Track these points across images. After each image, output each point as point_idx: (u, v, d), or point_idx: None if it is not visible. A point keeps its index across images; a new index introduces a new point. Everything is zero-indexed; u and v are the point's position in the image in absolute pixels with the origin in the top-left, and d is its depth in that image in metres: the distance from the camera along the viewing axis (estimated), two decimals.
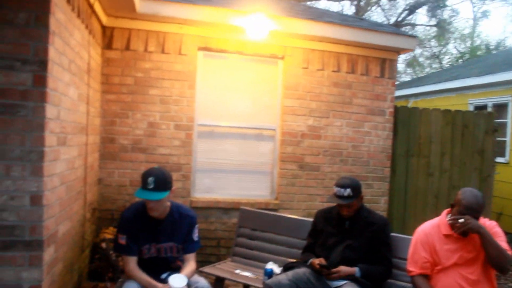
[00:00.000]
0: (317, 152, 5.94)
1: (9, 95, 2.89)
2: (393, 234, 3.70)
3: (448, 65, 23.44)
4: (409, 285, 3.40)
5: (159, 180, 3.14)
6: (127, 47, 5.29)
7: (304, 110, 5.87)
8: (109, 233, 4.91)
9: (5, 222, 2.91)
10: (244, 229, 4.52)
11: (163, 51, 5.39)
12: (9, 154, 2.90)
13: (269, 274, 3.74)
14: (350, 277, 3.43)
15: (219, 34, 5.52)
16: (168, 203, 3.33)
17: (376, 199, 6.19)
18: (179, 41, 5.41)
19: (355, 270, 3.45)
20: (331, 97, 5.96)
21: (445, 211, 3.29)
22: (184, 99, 5.46)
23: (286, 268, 3.72)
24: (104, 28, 5.18)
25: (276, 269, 3.82)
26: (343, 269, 3.44)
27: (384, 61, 6.16)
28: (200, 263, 3.78)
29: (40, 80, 2.92)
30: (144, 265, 3.30)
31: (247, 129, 5.82)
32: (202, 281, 3.30)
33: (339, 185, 3.55)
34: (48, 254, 3.11)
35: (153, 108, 5.38)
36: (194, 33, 5.45)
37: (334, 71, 5.96)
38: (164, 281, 3.20)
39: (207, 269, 4.13)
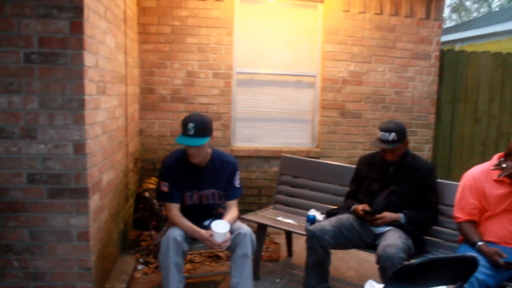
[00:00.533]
0: (359, 99, 5.78)
1: (48, 44, 2.88)
2: (439, 180, 3.56)
3: (497, 9, 22.21)
4: (456, 232, 3.30)
5: (199, 126, 3.10)
6: None
7: (345, 55, 5.67)
8: (151, 183, 4.99)
9: (51, 170, 2.98)
10: (286, 177, 4.47)
11: None
12: (51, 102, 2.92)
13: (312, 220, 3.69)
14: (394, 223, 3.36)
15: None
16: (209, 150, 3.31)
17: (420, 147, 6.01)
18: None
19: (399, 216, 3.36)
20: (374, 41, 5.73)
21: (496, 156, 3.12)
22: (222, 47, 5.36)
23: (329, 214, 3.67)
24: None
25: (319, 216, 3.77)
26: (388, 215, 3.36)
27: (430, 1, 5.83)
28: (242, 212, 3.78)
29: (78, 27, 2.89)
30: (186, 212, 3.31)
31: (286, 76, 5.69)
32: (244, 227, 3.28)
33: (383, 129, 3.40)
34: (94, 202, 3.17)
35: (191, 57, 5.32)
36: None
37: (376, 14, 5.68)
38: (207, 228, 3.22)
39: (249, 216, 4.13)
